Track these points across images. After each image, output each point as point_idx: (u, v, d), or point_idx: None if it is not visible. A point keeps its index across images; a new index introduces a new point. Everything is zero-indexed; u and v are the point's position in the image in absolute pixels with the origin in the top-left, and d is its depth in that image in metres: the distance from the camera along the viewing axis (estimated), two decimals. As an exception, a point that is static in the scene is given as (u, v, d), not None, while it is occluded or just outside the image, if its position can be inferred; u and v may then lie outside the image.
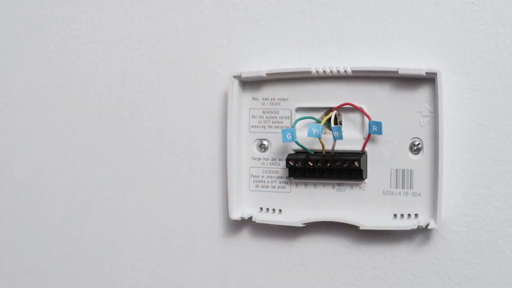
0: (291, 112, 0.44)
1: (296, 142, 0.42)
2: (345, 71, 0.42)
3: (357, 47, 0.43)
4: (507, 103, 0.40)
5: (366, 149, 0.42)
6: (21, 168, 0.52)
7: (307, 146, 0.43)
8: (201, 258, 0.48)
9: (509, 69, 0.40)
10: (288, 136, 0.42)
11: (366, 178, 0.42)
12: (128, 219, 0.49)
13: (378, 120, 0.41)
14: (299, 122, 0.43)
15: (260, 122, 0.45)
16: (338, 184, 0.43)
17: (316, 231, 0.45)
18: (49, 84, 0.51)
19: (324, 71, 0.42)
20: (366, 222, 0.42)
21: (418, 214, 0.41)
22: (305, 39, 0.44)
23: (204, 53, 0.46)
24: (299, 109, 0.44)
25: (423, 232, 0.42)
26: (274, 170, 0.45)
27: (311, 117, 0.43)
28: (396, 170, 0.42)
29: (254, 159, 0.45)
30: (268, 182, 0.45)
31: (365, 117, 0.42)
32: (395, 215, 0.42)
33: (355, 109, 0.42)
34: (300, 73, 0.43)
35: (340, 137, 0.41)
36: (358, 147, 0.42)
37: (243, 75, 0.44)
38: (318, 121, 0.42)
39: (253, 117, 0.45)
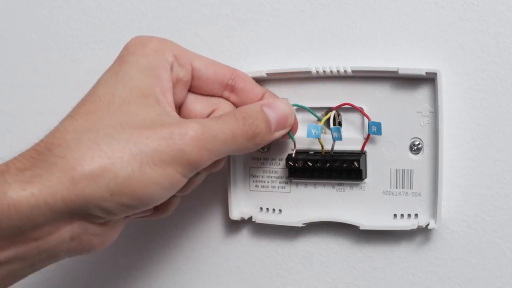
0: (291, 112, 0.44)
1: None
2: (345, 71, 0.42)
3: (357, 47, 0.43)
4: (507, 103, 0.40)
5: (366, 149, 0.42)
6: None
7: (307, 146, 0.43)
8: (201, 258, 0.48)
9: (509, 69, 0.40)
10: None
11: (366, 178, 0.42)
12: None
13: (378, 120, 0.41)
14: (299, 122, 0.43)
15: (260, 122, 0.45)
16: (338, 184, 0.43)
17: (316, 231, 0.45)
18: (49, 84, 0.51)
19: (324, 71, 0.42)
20: (366, 222, 0.42)
21: (418, 214, 0.41)
22: (305, 39, 0.44)
23: (204, 53, 0.46)
24: (299, 109, 0.44)
25: (423, 232, 0.42)
26: (274, 170, 0.45)
27: (309, 109, 0.42)
28: (396, 170, 0.42)
29: (254, 159, 0.45)
30: (268, 182, 0.45)
31: (365, 117, 0.42)
32: (395, 215, 0.42)
33: (354, 109, 0.42)
34: (300, 73, 0.43)
35: (339, 138, 0.41)
36: (358, 147, 0.42)
37: (243, 75, 0.44)
38: (318, 119, 0.42)
39: (253, 117, 0.45)
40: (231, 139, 0.37)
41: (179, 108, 0.41)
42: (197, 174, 0.38)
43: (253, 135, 0.38)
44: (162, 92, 0.37)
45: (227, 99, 0.41)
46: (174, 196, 0.39)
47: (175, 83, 0.39)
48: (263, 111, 0.39)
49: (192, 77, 0.40)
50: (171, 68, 0.38)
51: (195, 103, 0.41)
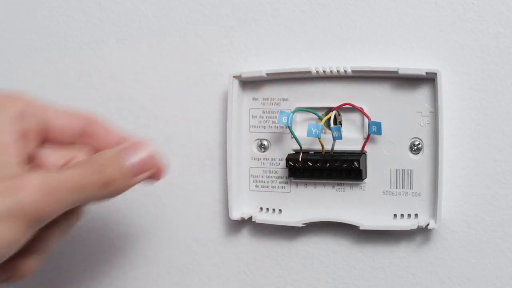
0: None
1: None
2: (345, 71, 0.42)
3: (357, 47, 0.43)
4: (507, 103, 0.40)
5: (366, 149, 0.42)
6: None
7: (307, 146, 0.43)
8: (201, 258, 0.48)
9: (509, 69, 0.40)
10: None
11: (366, 178, 0.42)
12: (128, 219, 0.49)
13: (378, 120, 0.41)
14: (299, 122, 0.43)
15: (260, 122, 0.45)
16: (338, 184, 0.43)
17: (316, 231, 0.45)
18: (49, 84, 0.51)
19: (324, 71, 0.42)
20: (366, 222, 0.42)
21: (418, 214, 0.41)
22: (305, 39, 0.44)
23: (204, 53, 0.46)
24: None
25: (423, 232, 0.42)
26: (274, 170, 0.45)
27: (312, 111, 0.42)
28: (396, 170, 0.42)
29: (254, 159, 0.45)
30: (268, 182, 0.45)
31: (365, 117, 0.42)
32: (395, 215, 0.42)
33: (355, 109, 0.42)
34: (300, 73, 0.43)
35: (340, 137, 0.41)
36: (358, 147, 0.42)
37: (243, 75, 0.44)
38: (320, 117, 0.42)
39: (253, 117, 0.45)
40: (79, 189, 0.34)
41: (33, 161, 0.38)
42: (52, 228, 0.36)
43: (106, 183, 0.35)
44: (4, 145, 0.35)
45: (85, 147, 0.39)
46: (26, 258, 0.36)
47: (23, 135, 0.37)
48: (119, 156, 0.36)
49: (44, 128, 0.38)
50: (17, 121, 0.36)
51: (50, 155, 0.39)
